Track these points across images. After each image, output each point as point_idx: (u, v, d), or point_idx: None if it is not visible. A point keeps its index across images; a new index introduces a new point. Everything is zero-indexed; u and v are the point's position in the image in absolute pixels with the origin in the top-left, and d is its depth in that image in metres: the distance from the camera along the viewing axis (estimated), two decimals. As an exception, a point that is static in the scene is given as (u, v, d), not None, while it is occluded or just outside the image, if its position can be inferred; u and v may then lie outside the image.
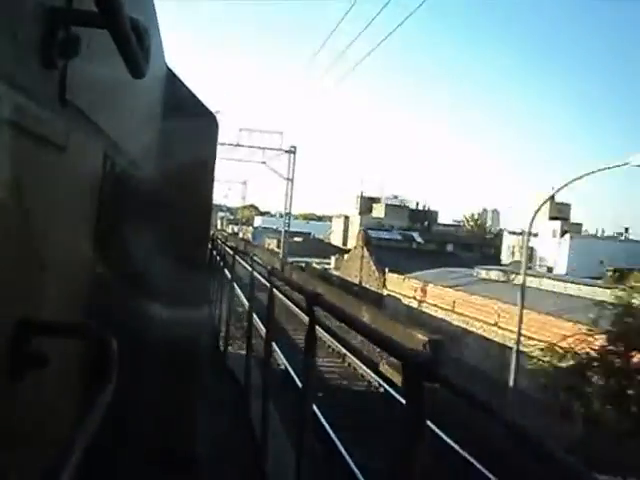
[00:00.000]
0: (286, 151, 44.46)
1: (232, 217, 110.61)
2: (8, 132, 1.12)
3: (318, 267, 48.65)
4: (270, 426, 5.46)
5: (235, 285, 10.16)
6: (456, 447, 9.98)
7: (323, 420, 9.85)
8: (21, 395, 1.31)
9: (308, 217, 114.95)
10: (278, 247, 56.84)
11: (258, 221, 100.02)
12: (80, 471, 0.94)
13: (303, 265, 47.01)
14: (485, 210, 74.51)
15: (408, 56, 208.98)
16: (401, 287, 33.88)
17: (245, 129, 45.08)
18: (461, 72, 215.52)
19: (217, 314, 11.61)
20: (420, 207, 78.03)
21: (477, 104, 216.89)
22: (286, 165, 44.75)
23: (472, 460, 9.80)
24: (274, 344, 6.16)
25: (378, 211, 71.37)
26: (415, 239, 45.67)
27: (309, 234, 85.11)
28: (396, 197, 78.44)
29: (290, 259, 47.06)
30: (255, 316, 8.17)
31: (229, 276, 10.72)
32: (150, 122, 3.69)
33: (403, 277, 33.48)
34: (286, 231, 45.53)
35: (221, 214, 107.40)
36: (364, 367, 14.91)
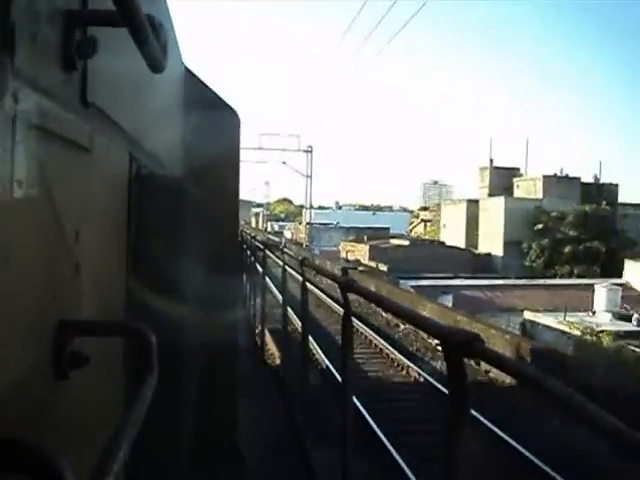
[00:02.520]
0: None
1: (268, 213, 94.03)
2: (33, 135, 1.13)
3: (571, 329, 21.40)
4: (310, 416, 5.48)
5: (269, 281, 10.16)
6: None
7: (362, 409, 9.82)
8: (67, 393, 1.33)
9: (365, 208, 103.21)
10: (371, 258, 37.27)
11: (309, 216, 65.71)
12: (128, 465, 0.94)
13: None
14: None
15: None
16: None
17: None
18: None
19: (253, 310, 11.70)
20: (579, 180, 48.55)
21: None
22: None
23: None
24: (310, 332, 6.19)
25: (525, 189, 46.09)
26: None
27: (387, 229, 63.58)
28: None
29: (409, 284, 25.75)
30: (290, 310, 8.21)
31: (261, 271, 10.78)
32: (172, 120, 3.71)
33: None
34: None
35: (255, 210, 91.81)
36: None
